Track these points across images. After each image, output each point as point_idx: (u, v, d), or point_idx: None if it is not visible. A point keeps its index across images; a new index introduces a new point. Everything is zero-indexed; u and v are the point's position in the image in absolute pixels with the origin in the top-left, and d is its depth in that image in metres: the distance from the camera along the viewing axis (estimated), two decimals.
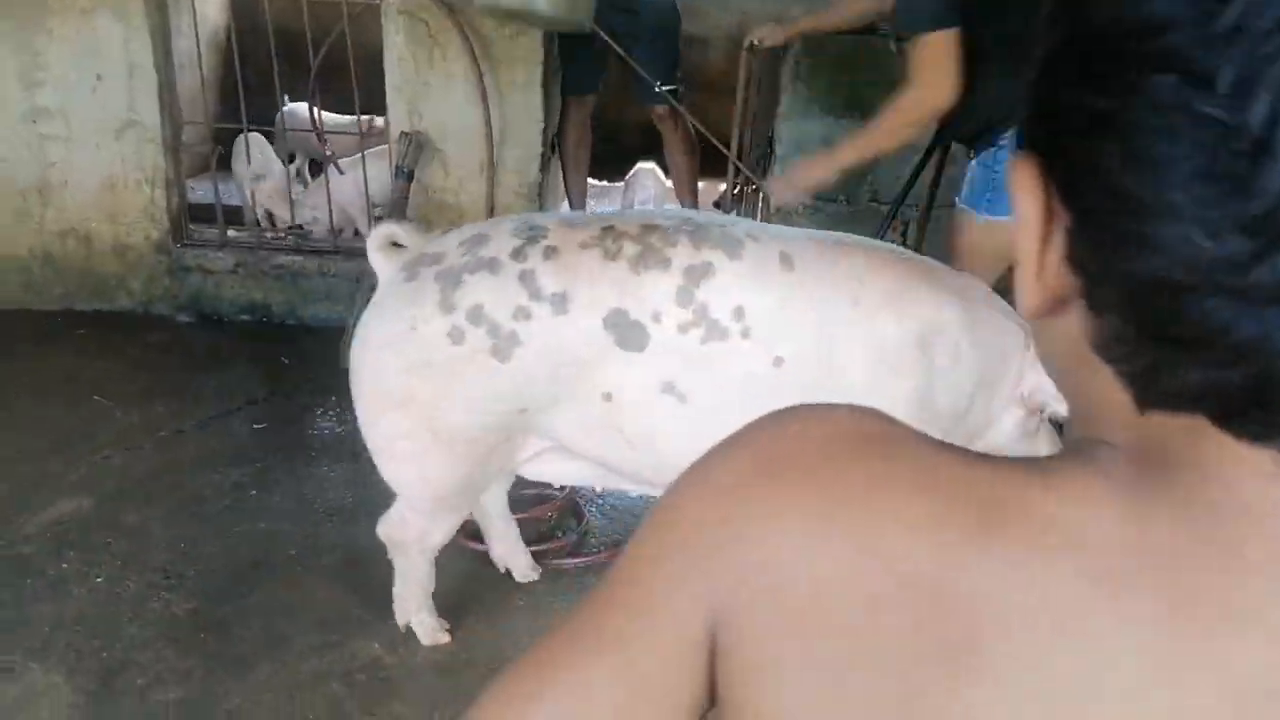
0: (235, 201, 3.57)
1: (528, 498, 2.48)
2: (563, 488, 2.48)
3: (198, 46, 3.41)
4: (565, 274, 1.64)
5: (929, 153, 2.92)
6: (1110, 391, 0.41)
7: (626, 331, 1.64)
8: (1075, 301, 0.41)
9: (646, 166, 4.55)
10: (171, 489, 2.49)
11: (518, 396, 1.67)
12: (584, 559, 2.36)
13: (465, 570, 2.28)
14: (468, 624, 2.10)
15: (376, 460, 1.81)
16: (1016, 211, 0.43)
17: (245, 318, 3.48)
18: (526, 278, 1.63)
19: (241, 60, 3.29)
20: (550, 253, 1.65)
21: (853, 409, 0.47)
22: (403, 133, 3.21)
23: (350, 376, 1.76)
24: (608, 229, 1.70)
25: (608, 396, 1.68)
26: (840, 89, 3.18)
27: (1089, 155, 0.39)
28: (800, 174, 2.43)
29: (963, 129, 2.47)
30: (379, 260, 1.74)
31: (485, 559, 2.30)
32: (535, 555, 2.29)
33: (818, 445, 0.44)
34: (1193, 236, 0.35)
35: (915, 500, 0.41)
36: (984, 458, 0.44)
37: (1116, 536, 0.39)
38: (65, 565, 2.17)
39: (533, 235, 1.67)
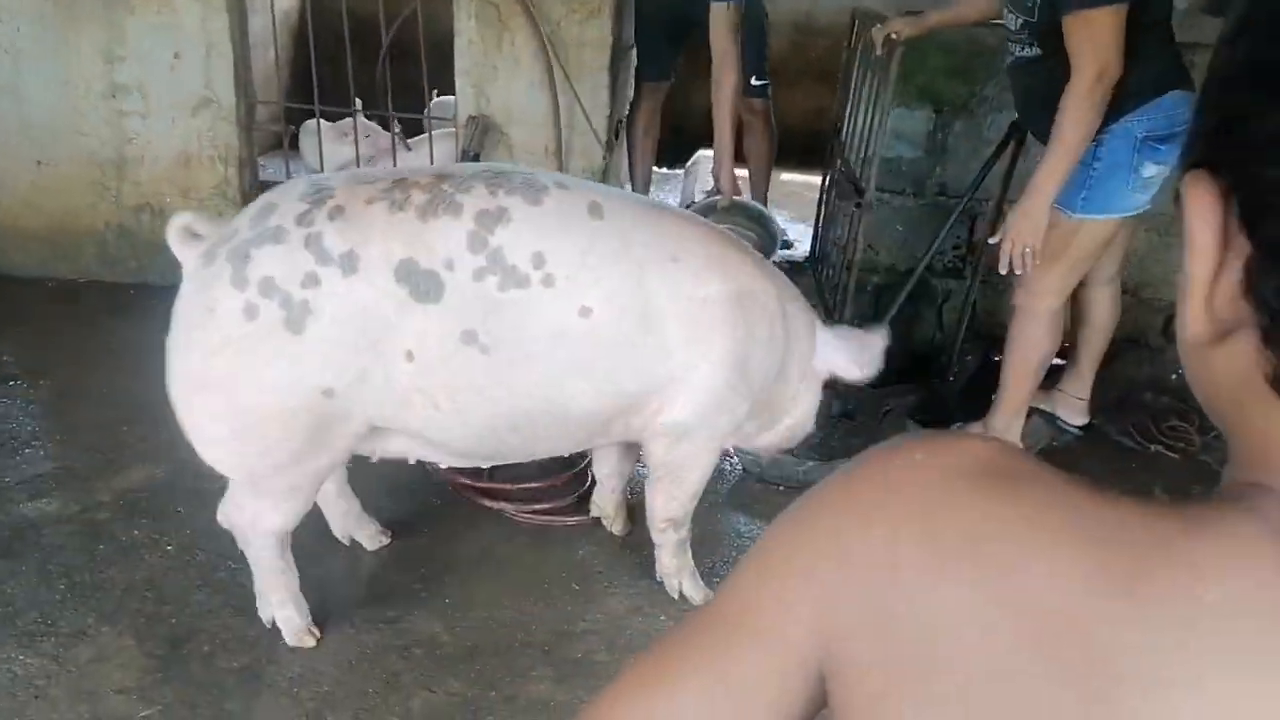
0: None
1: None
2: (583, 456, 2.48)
3: (273, 26, 3.45)
4: (351, 232, 1.59)
5: (1002, 145, 2.86)
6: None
7: (420, 281, 1.60)
8: (1248, 331, 0.39)
9: (707, 154, 4.51)
10: None
11: (321, 373, 1.61)
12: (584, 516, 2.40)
13: (522, 544, 2.29)
14: (524, 603, 2.12)
15: (193, 444, 1.77)
16: (1188, 234, 0.41)
17: None
18: (312, 242, 1.58)
19: (314, 41, 3.33)
20: (336, 213, 1.61)
21: (982, 441, 0.45)
22: (470, 116, 3.22)
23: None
24: (399, 181, 1.67)
25: (410, 355, 1.64)
26: (940, 82, 3.12)
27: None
28: (1027, 222, 2.32)
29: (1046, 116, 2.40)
30: (180, 250, 1.70)
31: (537, 533, 2.31)
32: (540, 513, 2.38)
33: (941, 478, 0.43)
34: None
35: (1057, 546, 0.39)
36: (1127, 498, 0.41)
37: (1271, 588, 0.36)
38: (137, 532, 2.24)
39: (319, 197, 1.63)
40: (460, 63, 3.18)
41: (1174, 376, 3.35)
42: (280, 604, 1.93)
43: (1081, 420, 2.96)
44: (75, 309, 3.34)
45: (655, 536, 2.10)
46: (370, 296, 1.60)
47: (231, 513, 1.87)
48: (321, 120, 3.56)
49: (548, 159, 3.24)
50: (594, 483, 2.40)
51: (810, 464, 2.62)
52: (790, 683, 0.45)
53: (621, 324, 1.69)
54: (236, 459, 1.76)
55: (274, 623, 1.96)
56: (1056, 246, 2.42)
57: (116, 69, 3.26)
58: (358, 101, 3.44)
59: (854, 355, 1.97)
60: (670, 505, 2.03)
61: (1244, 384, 0.39)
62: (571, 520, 2.40)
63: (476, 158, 3.22)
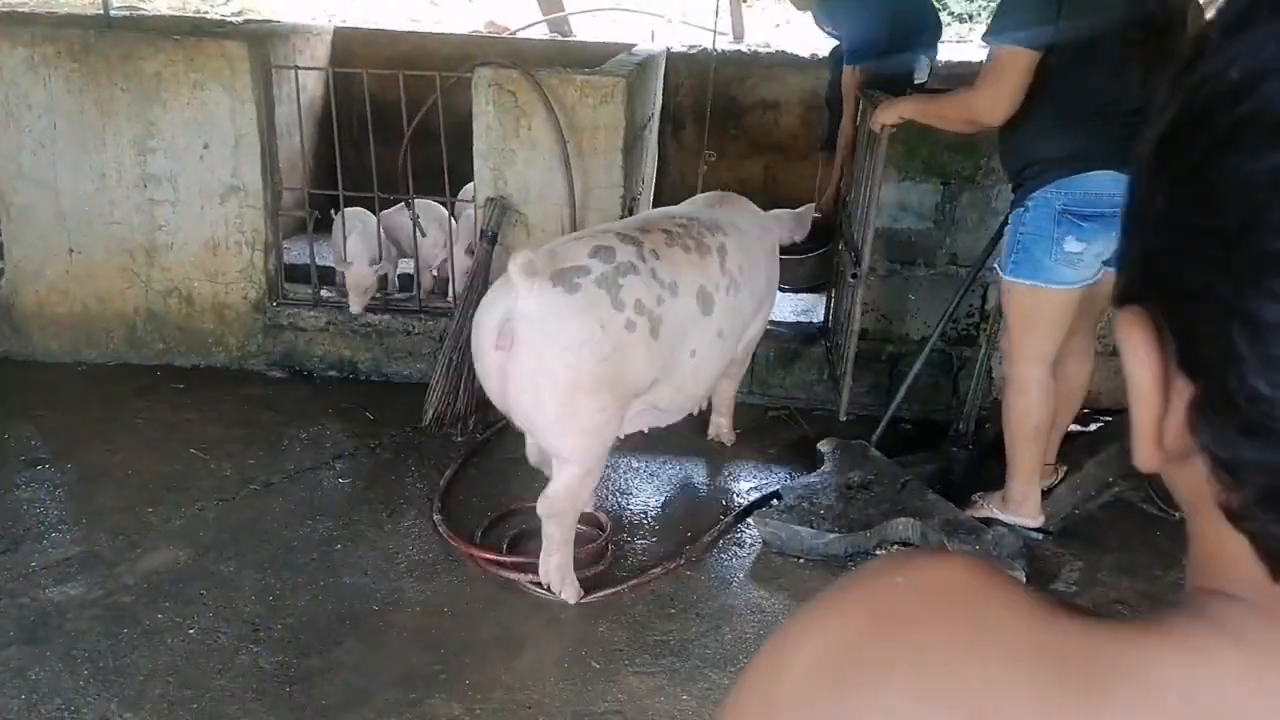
0: (328, 262, 3.72)
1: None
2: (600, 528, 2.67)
3: (299, 115, 3.58)
4: (670, 267, 2.32)
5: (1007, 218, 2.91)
6: (1239, 545, 0.38)
7: (705, 300, 2.39)
8: (1199, 455, 0.38)
9: None
10: (263, 541, 2.57)
11: (660, 366, 2.29)
12: (604, 592, 2.41)
13: (542, 622, 2.28)
14: (545, 684, 2.10)
15: (564, 440, 2.22)
16: (1128, 375, 0.40)
17: (333, 373, 3.59)
18: (655, 274, 2.27)
19: (338, 129, 3.45)
20: (652, 254, 2.30)
21: (956, 560, 0.45)
22: (488, 198, 3.31)
23: (529, 380, 2.13)
24: (668, 231, 2.42)
25: (693, 353, 2.39)
26: (945, 155, 3.19)
27: (1215, 335, 0.35)
28: (884, 110, 2.70)
29: (1005, 173, 2.53)
30: (523, 280, 2.10)
31: (557, 609, 2.31)
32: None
33: (924, 600, 0.43)
34: None
35: (1019, 664, 0.39)
36: (1091, 613, 0.42)
37: (1234, 697, 0.36)
38: (160, 615, 2.25)
39: (637, 242, 2.30)
40: (479, 146, 3.28)
41: None
42: (569, 574, 2.36)
43: (1046, 483, 2.82)
44: (102, 391, 3.40)
45: (726, 415, 3.16)
46: (686, 312, 2.33)
47: (563, 499, 2.29)
48: (366, 209, 3.67)
49: (562, 236, 3.31)
50: (610, 558, 2.52)
51: (831, 537, 2.61)
52: None
53: (756, 296, 2.70)
54: (598, 444, 2.27)
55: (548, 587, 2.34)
56: (1012, 312, 2.52)
57: (148, 160, 3.38)
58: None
59: (793, 226, 3.15)
60: (735, 385, 3.14)
61: (1200, 499, 0.39)
62: (591, 596, 2.39)
63: (495, 237, 3.30)
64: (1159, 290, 0.38)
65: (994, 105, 2.29)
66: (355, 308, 3.48)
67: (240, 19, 5.14)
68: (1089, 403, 3.43)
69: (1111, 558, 2.73)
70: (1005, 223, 2.90)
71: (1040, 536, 2.72)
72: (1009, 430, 2.61)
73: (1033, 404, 2.53)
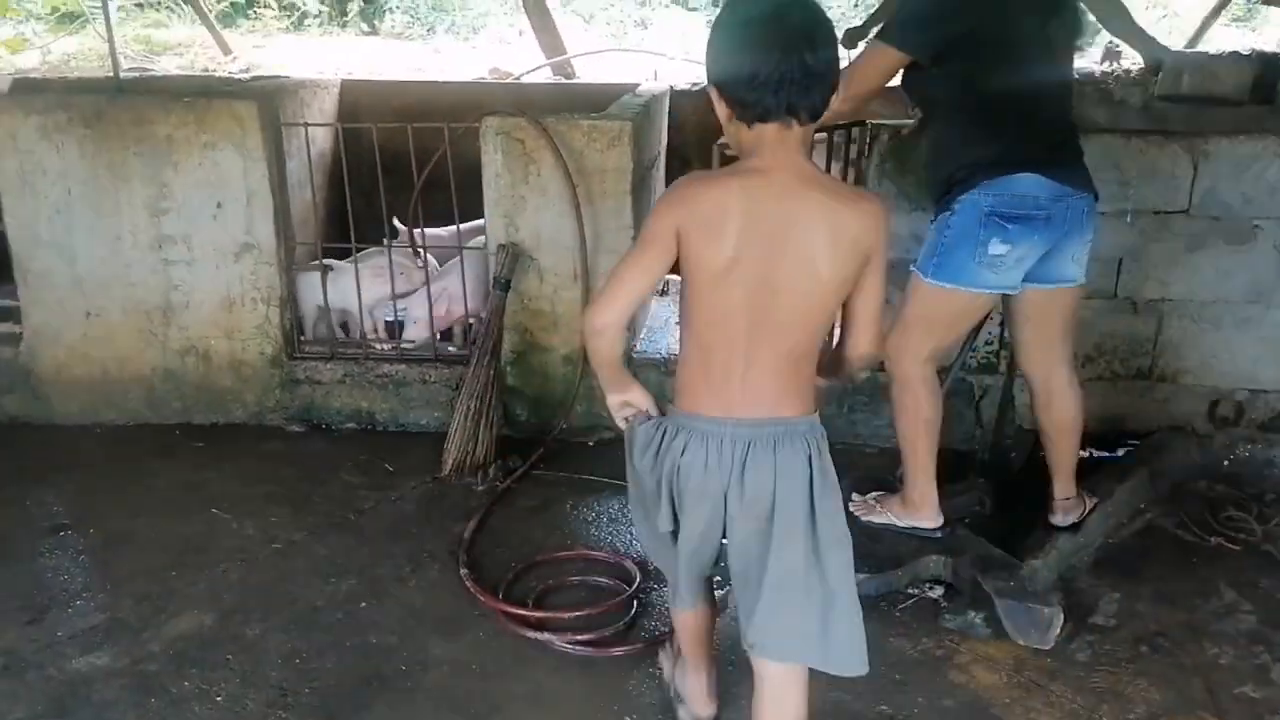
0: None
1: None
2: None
3: (310, 170, 3.61)
4: None
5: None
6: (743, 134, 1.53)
7: None
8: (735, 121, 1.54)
9: None
10: (288, 601, 2.54)
11: None
12: (630, 647, 2.37)
13: (572, 677, 2.25)
14: None
15: None
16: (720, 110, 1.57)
17: (351, 425, 3.58)
18: None
19: (349, 182, 3.48)
20: None
21: (693, 175, 1.60)
22: (500, 245, 3.32)
23: None
24: None
25: None
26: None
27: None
28: None
29: (930, 186, 2.51)
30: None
31: (586, 665, 2.26)
32: (586, 643, 2.37)
33: (694, 179, 1.57)
34: (762, 100, 1.48)
35: (749, 190, 1.52)
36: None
37: (754, 186, 1.52)
38: (187, 683, 2.22)
39: None
40: (489, 195, 3.29)
41: (1225, 463, 3.29)
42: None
43: (1074, 518, 2.76)
44: (121, 453, 3.40)
45: None
46: None
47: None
48: (347, 260, 3.68)
49: (575, 281, 3.32)
50: (639, 611, 2.47)
51: (860, 577, 2.55)
52: (670, 245, 1.53)
53: None
54: None
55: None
56: (914, 308, 2.51)
57: (162, 221, 3.40)
58: (397, 225, 3.54)
59: None
60: None
61: (735, 131, 1.55)
62: (619, 650, 2.36)
63: (508, 284, 3.30)
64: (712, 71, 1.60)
65: (844, 96, 2.13)
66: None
67: (248, 75, 5.19)
68: (1115, 428, 3.40)
69: (1149, 587, 2.67)
70: None
71: (940, 535, 2.66)
72: (901, 429, 2.61)
73: (921, 400, 2.54)
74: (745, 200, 1.49)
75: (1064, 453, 2.71)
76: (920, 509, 2.67)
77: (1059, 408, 2.68)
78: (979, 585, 2.51)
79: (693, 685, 2.04)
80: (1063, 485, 2.76)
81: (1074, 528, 2.76)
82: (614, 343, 1.62)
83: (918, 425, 2.59)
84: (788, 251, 1.50)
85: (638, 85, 4.28)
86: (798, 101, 1.46)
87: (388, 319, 3.74)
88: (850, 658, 1.67)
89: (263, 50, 7.16)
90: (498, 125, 3.20)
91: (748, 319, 1.53)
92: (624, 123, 3.18)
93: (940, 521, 2.67)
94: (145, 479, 3.21)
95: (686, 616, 1.95)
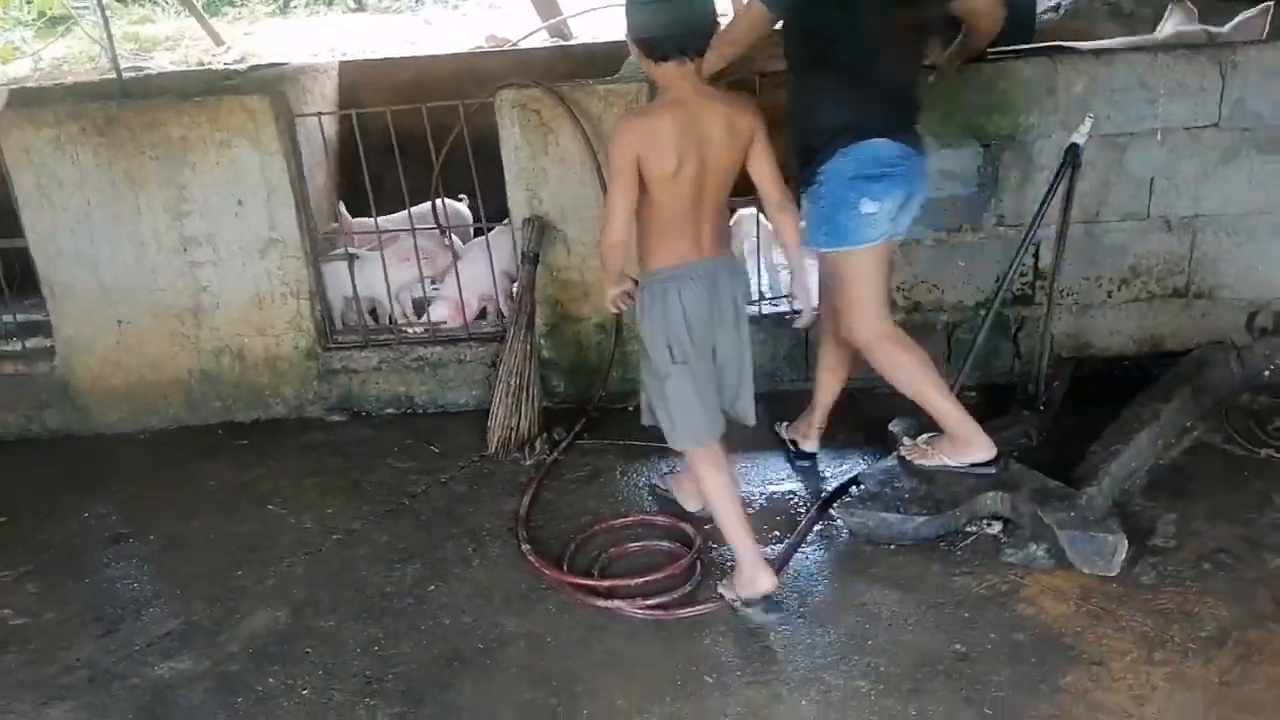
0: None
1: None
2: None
3: (325, 157, 3.57)
4: None
5: (1061, 168, 2.86)
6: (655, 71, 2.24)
7: None
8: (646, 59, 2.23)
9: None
10: (357, 590, 2.57)
11: None
12: (699, 608, 2.40)
13: (646, 642, 2.28)
14: (663, 705, 2.09)
15: None
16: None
17: (391, 410, 3.60)
18: None
19: (366, 163, 3.44)
20: None
21: (632, 114, 2.39)
22: (525, 219, 3.29)
23: None
24: None
25: None
26: (982, 117, 3.15)
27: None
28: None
29: (790, 151, 2.61)
30: None
31: (657, 628, 2.29)
32: (656, 607, 2.41)
33: (635, 117, 2.28)
34: (661, 44, 2.18)
35: (674, 115, 2.19)
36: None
37: (679, 113, 2.20)
38: (271, 680, 2.26)
39: None
40: (510, 169, 3.26)
41: (1267, 374, 3.27)
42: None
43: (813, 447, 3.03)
44: (168, 457, 3.43)
45: None
46: None
47: None
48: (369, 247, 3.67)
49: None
50: (704, 572, 2.49)
51: (920, 519, 2.58)
52: (634, 169, 2.18)
53: None
54: None
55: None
56: (833, 281, 2.64)
57: (184, 223, 3.39)
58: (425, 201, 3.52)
59: None
60: None
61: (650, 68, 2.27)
62: (689, 611, 2.38)
63: (536, 258, 3.29)
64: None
65: (715, 51, 2.38)
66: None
67: (244, 65, 5.13)
68: (1154, 349, 3.39)
69: (1204, 505, 2.68)
70: (1058, 177, 2.87)
71: (994, 469, 2.68)
72: (901, 387, 2.66)
73: (895, 354, 2.62)
74: (675, 124, 2.17)
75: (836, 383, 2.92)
76: (970, 444, 2.67)
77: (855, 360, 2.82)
78: (1039, 518, 2.52)
79: (739, 536, 2.36)
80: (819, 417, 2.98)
81: (1116, 452, 2.77)
82: (624, 253, 2.23)
83: (910, 376, 2.63)
84: (708, 147, 2.20)
85: None
86: (686, 44, 2.17)
87: (415, 296, 3.74)
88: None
89: (253, 37, 7.07)
90: (513, 98, 3.16)
91: (692, 197, 2.23)
92: (640, 84, 3.14)
93: (994, 451, 2.68)
94: (195, 481, 3.24)
95: (711, 449, 2.39)
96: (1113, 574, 2.40)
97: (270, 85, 3.46)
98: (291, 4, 8.76)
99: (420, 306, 3.77)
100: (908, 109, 2.56)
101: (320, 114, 3.52)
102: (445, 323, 3.62)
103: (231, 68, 5.30)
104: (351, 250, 3.57)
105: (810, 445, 3.03)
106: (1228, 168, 3.18)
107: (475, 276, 3.61)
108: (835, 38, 2.45)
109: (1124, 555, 2.42)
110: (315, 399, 3.60)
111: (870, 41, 2.44)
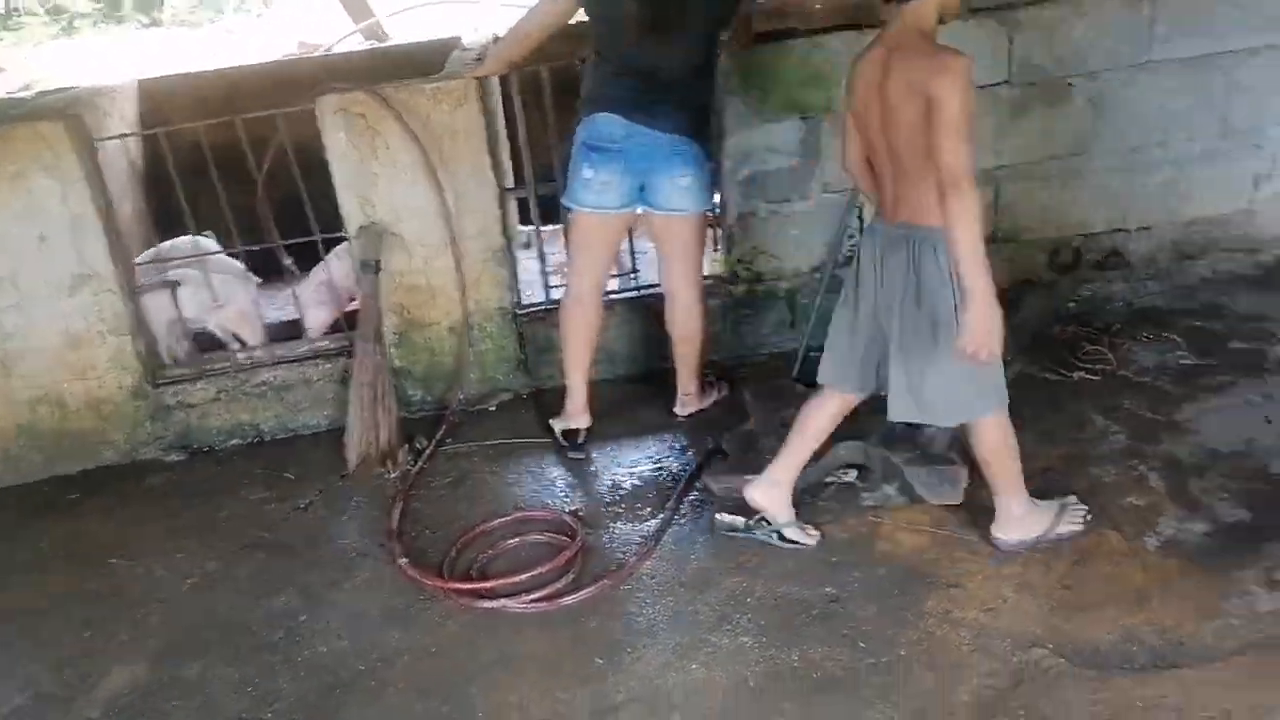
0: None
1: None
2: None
3: (134, 183, 3.35)
4: None
5: None
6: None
7: None
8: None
9: None
10: (221, 634, 2.44)
11: None
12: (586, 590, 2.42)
13: (532, 635, 2.27)
14: (556, 694, 2.10)
15: None
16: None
17: (237, 441, 3.42)
18: None
19: (171, 186, 3.25)
20: None
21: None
22: (360, 227, 3.20)
23: None
24: None
25: None
26: (798, 92, 3.25)
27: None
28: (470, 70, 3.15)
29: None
30: None
31: (542, 620, 2.29)
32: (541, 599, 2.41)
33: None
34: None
35: (866, 58, 2.14)
36: None
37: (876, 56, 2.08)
38: None
39: None
40: (338, 177, 3.15)
41: (1071, 305, 3.58)
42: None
43: (694, 408, 3.21)
44: None
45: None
46: None
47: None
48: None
49: (445, 249, 3.24)
50: (580, 560, 2.52)
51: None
52: None
53: None
54: None
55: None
56: (567, 233, 3.01)
57: None
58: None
59: None
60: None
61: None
62: (573, 598, 2.39)
63: (378, 265, 3.20)
64: None
65: (532, 15, 2.82)
66: (257, 336, 3.54)
67: (30, 92, 4.72)
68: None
69: (1031, 429, 2.88)
70: None
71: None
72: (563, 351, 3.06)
73: (567, 319, 2.98)
74: (862, 66, 2.15)
75: (683, 357, 3.12)
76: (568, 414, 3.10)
77: (680, 322, 3.05)
78: (888, 460, 2.68)
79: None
80: (683, 383, 3.17)
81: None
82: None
83: (562, 341, 3.03)
84: (888, 101, 2.08)
85: (460, 39, 4.15)
86: None
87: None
88: None
89: (37, 60, 6.51)
90: (336, 103, 3.06)
91: (877, 149, 2.15)
92: (467, 80, 3.10)
93: (582, 425, 3.10)
94: (25, 543, 2.98)
95: (831, 396, 2.43)
96: (958, 502, 2.58)
97: (63, 110, 3.20)
98: (75, 23, 8.13)
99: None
100: (658, 92, 2.68)
101: (124, 135, 3.30)
102: (317, 331, 3.49)
103: (16, 95, 4.86)
104: (171, 275, 3.36)
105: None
106: (1020, 121, 3.45)
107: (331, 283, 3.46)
108: (594, 21, 2.72)
109: (965, 483, 2.60)
110: (150, 440, 3.38)
111: (616, 26, 2.65)
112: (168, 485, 3.24)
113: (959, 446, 2.73)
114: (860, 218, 3.47)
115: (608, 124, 2.71)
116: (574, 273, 2.97)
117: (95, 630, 2.52)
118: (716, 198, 3.18)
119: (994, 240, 3.63)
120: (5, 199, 3.04)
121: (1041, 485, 2.58)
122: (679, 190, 2.78)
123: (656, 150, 2.72)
